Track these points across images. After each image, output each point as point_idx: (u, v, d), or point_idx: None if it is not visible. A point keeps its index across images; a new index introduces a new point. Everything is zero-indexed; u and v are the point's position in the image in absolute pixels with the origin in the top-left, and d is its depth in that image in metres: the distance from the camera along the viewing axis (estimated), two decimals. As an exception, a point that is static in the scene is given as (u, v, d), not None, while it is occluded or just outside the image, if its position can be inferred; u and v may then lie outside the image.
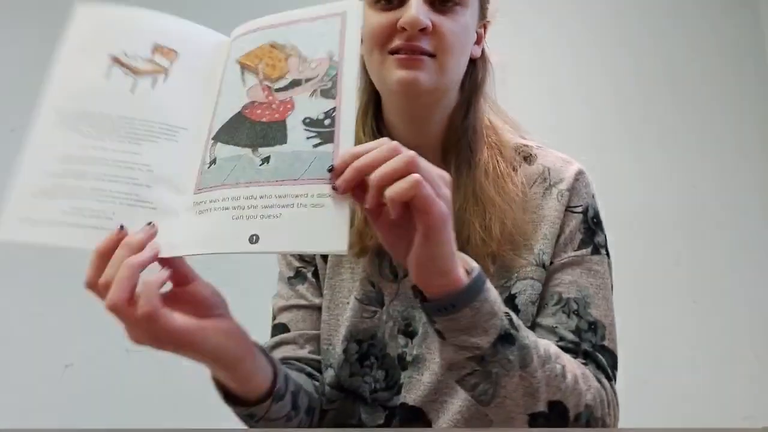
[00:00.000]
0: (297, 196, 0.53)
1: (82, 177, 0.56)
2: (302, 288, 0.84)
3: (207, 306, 0.58)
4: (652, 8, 2.22)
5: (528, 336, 0.61)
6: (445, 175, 0.55)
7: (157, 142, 0.58)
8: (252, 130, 0.57)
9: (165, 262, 0.55)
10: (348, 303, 0.80)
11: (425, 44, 0.71)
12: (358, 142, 0.55)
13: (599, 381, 0.68)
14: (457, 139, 0.78)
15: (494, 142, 0.80)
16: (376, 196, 0.52)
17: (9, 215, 0.55)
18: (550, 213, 0.77)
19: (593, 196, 0.80)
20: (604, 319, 0.74)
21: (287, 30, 0.61)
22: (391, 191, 0.51)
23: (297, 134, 0.55)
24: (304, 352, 0.81)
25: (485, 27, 0.82)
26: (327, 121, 0.55)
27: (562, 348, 0.69)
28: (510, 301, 0.74)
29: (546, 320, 0.73)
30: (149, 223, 0.55)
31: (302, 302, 0.83)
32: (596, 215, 0.79)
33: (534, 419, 0.61)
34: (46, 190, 0.56)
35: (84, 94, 0.59)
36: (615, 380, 0.72)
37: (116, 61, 0.60)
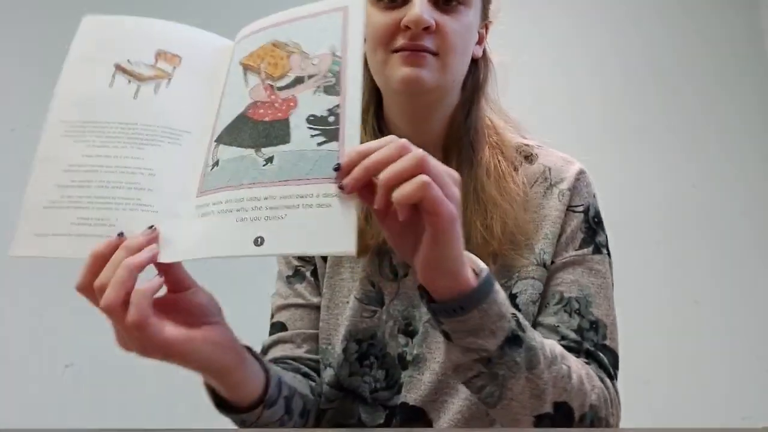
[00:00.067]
0: (302, 197, 0.51)
1: (87, 186, 0.56)
2: (301, 287, 0.84)
3: (201, 314, 0.57)
4: (652, 8, 2.22)
5: (535, 337, 0.60)
6: (455, 174, 0.54)
7: (160, 146, 0.58)
8: (255, 130, 0.56)
9: (162, 268, 0.54)
10: (348, 302, 0.80)
11: (429, 43, 0.71)
12: (359, 141, 0.54)
13: (602, 380, 0.68)
14: (458, 138, 0.78)
15: (495, 142, 0.80)
16: (385, 197, 0.51)
17: (23, 230, 0.56)
18: (551, 212, 0.77)
19: (594, 196, 0.80)
20: (605, 318, 0.74)
21: (289, 27, 0.60)
22: (399, 194, 0.50)
23: (300, 132, 0.54)
24: (301, 351, 0.81)
25: (487, 27, 0.82)
26: (331, 118, 0.54)
27: (564, 347, 0.69)
28: (511, 300, 0.73)
29: (548, 319, 0.73)
30: (150, 227, 0.54)
31: (300, 301, 0.83)
32: (597, 215, 0.79)
33: (539, 420, 0.61)
34: (55, 202, 0.56)
35: (88, 103, 0.60)
36: (616, 379, 0.73)
37: (120, 68, 0.61)
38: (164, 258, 0.54)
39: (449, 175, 0.53)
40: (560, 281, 0.75)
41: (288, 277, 0.85)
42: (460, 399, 0.74)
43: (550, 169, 0.80)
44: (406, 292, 0.78)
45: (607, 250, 0.78)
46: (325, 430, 0.79)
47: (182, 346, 0.53)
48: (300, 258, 0.85)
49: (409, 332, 0.77)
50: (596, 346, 0.72)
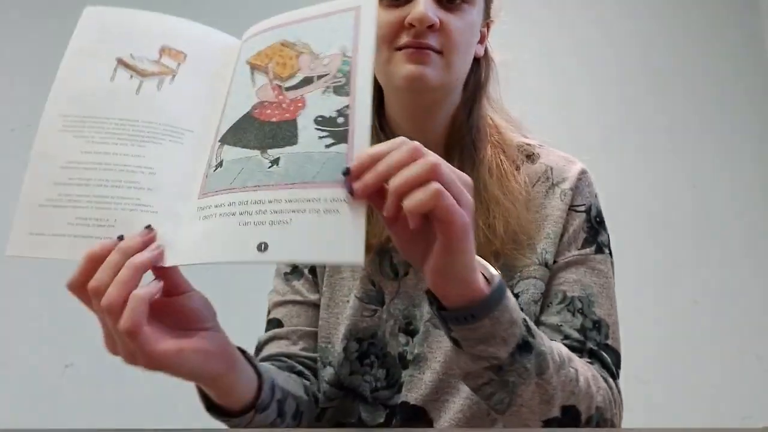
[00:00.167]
0: (309, 201, 0.49)
1: (86, 184, 0.54)
2: (298, 284, 0.84)
3: (194, 319, 0.55)
4: (652, 8, 2.22)
5: (544, 342, 0.60)
6: (468, 179, 0.52)
7: (161, 144, 0.56)
8: (261, 130, 0.54)
9: (159, 271, 0.52)
10: (348, 301, 0.80)
11: (433, 41, 0.71)
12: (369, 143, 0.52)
13: (605, 380, 0.68)
14: (460, 137, 0.78)
15: (497, 141, 0.80)
16: (395, 204, 0.49)
17: (18, 229, 0.53)
18: (553, 212, 0.77)
19: (596, 196, 0.80)
20: (607, 317, 0.74)
21: (299, 27, 0.58)
22: (410, 202, 0.48)
23: (308, 134, 0.52)
24: (296, 349, 0.80)
25: (488, 26, 0.82)
26: (340, 120, 0.52)
27: (567, 346, 0.69)
28: None
29: (551, 318, 0.73)
30: (147, 227, 0.52)
31: (297, 298, 0.83)
32: (599, 214, 0.79)
33: (546, 424, 0.61)
34: (53, 200, 0.54)
35: (88, 97, 0.57)
36: (619, 378, 0.73)
37: (122, 63, 0.59)
38: (162, 261, 0.52)
39: (462, 180, 0.51)
40: (563, 281, 0.75)
41: (286, 273, 0.85)
42: (461, 398, 0.74)
43: (551, 169, 0.80)
44: (406, 291, 0.78)
45: (609, 249, 0.78)
46: (325, 430, 0.79)
47: (170, 359, 0.51)
48: None
49: (410, 331, 0.77)
50: (599, 346, 0.72)
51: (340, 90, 0.53)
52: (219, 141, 0.56)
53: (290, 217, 0.49)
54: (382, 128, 0.80)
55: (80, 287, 0.50)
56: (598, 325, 0.73)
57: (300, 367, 0.79)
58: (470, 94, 0.80)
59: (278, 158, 0.52)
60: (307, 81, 0.55)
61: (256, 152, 0.53)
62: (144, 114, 0.57)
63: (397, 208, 0.49)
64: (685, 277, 2.02)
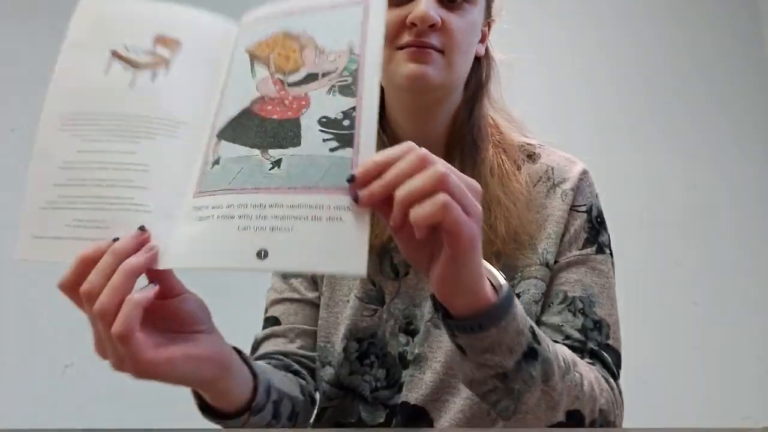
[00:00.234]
0: (312, 207, 0.47)
1: (82, 185, 0.52)
2: (296, 282, 0.84)
3: (188, 322, 0.53)
4: (652, 9, 2.22)
5: (549, 347, 0.59)
6: (477, 186, 0.50)
7: (155, 139, 0.53)
8: (261, 128, 0.51)
9: (153, 274, 0.50)
10: (348, 301, 0.80)
11: (434, 40, 0.71)
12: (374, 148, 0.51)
13: (607, 381, 0.68)
14: (461, 136, 0.78)
15: (498, 141, 0.80)
16: (402, 215, 0.47)
17: (24, 233, 0.52)
18: (554, 212, 0.77)
19: (596, 196, 0.80)
20: (608, 318, 0.74)
21: (303, 18, 0.55)
22: (416, 214, 0.46)
23: (312, 135, 0.50)
24: (293, 347, 0.80)
25: (489, 25, 0.82)
26: (346, 122, 0.50)
27: (569, 346, 0.70)
28: None
29: (552, 318, 0.73)
30: (140, 228, 0.50)
31: (295, 296, 0.83)
32: (600, 215, 0.79)
33: (551, 427, 0.61)
34: (52, 203, 0.52)
35: (83, 93, 0.55)
36: (619, 378, 0.73)
37: (116, 55, 0.56)
38: (157, 264, 0.49)
39: (471, 188, 0.49)
40: (564, 281, 0.75)
41: None
42: (461, 398, 0.74)
43: (553, 169, 0.80)
44: (407, 290, 0.78)
45: (610, 249, 0.79)
46: (325, 430, 0.79)
47: (159, 369, 0.49)
48: None
49: (410, 331, 0.77)
50: (600, 346, 0.72)
51: (347, 90, 0.51)
52: (216, 136, 0.53)
53: (292, 224, 0.47)
54: (383, 127, 0.80)
55: (72, 289, 0.49)
56: (599, 325, 0.73)
57: (296, 366, 0.79)
58: (471, 94, 0.80)
59: (280, 160, 0.50)
60: (311, 78, 0.52)
61: (257, 152, 0.51)
62: (138, 108, 0.54)
63: (403, 218, 0.47)
64: (685, 278, 2.02)
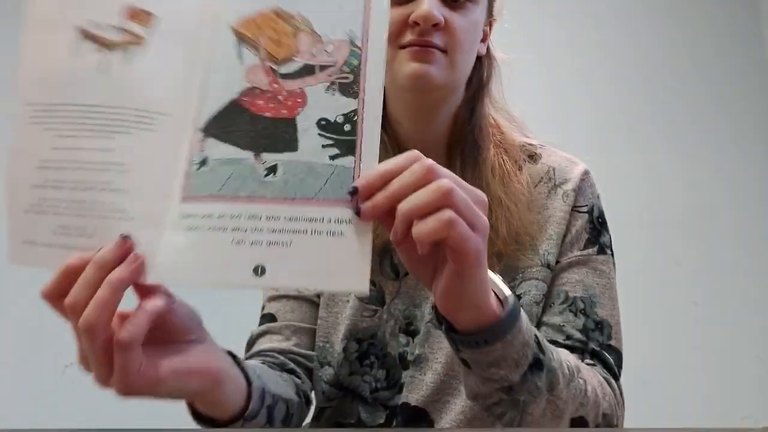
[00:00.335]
0: (311, 220, 0.44)
1: (60, 187, 0.47)
2: None
3: (178, 332, 0.50)
4: (652, 8, 2.22)
5: (553, 356, 0.57)
6: (482, 198, 0.48)
7: (131, 133, 0.47)
8: (252, 126, 0.47)
9: (140, 286, 0.46)
10: (348, 301, 0.79)
11: (437, 40, 0.70)
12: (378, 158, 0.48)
13: (609, 383, 0.68)
14: (463, 136, 0.78)
15: (499, 141, 0.80)
16: (404, 229, 0.45)
17: (13, 238, 0.48)
18: (555, 213, 0.77)
19: (598, 196, 0.80)
20: (610, 318, 0.74)
21: None
22: (419, 231, 0.44)
23: (310, 139, 0.46)
24: (289, 344, 0.79)
25: (491, 24, 0.82)
26: (347, 127, 0.46)
27: (570, 347, 0.69)
28: None
29: (553, 319, 0.73)
30: (123, 236, 0.46)
31: (292, 293, 0.82)
32: (601, 215, 0.79)
33: None
34: (35, 206, 0.48)
35: (50, 80, 0.49)
36: (620, 378, 0.73)
37: (83, 33, 0.49)
38: (145, 278, 0.45)
39: (478, 201, 0.47)
40: (565, 281, 0.75)
41: None
42: (462, 399, 0.74)
43: (554, 170, 0.80)
44: (407, 291, 0.78)
45: (611, 250, 0.78)
46: (325, 430, 0.79)
47: (145, 390, 0.46)
48: None
49: (411, 332, 0.77)
50: (601, 346, 0.72)
51: (348, 90, 0.47)
52: (201, 130, 0.48)
53: (290, 238, 0.44)
54: (383, 127, 0.79)
55: (55, 299, 0.46)
56: (600, 325, 0.73)
57: (292, 365, 0.78)
58: (472, 93, 0.80)
59: (275, 165, 0.46)
60: (307, 70, 0.48)
61: (249, 154, 0.46)
62: (111, 98, 0.48)
63: (405, 232, 0.46)
64: (685, 278, 2.02)
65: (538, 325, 0.73)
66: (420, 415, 0.75)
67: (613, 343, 0.73)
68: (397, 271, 0.79)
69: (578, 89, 2.14)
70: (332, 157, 0.46)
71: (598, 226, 0.78)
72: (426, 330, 0.76)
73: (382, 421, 0.76)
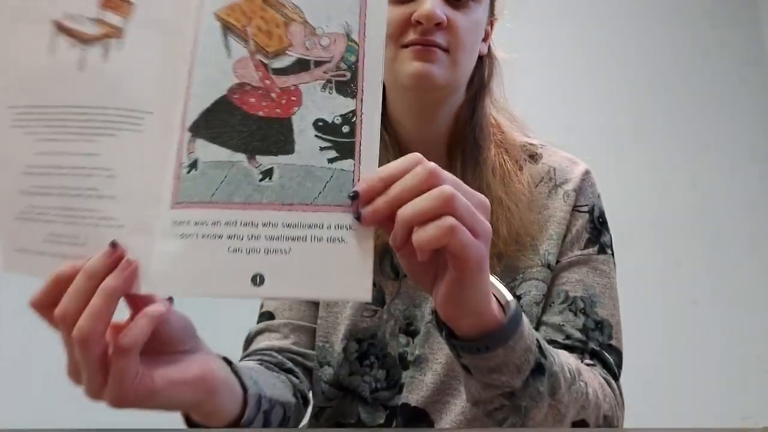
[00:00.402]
0: (310, 227, 0.43)
1: (47, 194, 0.46)
2: None
3: (173, 342, 0.49)
4: (654, 9, 2.22)
5: (554, 360, 0.57)
6: (485, 202, 0.47)
7: (116, 135, 0.45)
8: (245, 126, 0.44)
9: (132, 297, 0.45)
10: (348, 301, 0.79)
11: (440, 39, 0.70)
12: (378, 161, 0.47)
13: (609, 384, 0.68)
14: (463, 136, 0.78)
15: (500, 140, 0.80)
16: (404, 235, 0.44)
17: (7, 244, 0.47)
18: (555, 213, 0.77)
19: (598, 196, 0.80)
20: (610, 318, 0.74)
21: None
22: (420, 238, 0.43)
23: (306, 141, 0.44)
24: (287, 343, 0.79)
25: (492, 23, 0.82)
26: (345, 128, 0.44)
27: (569, 346, 0.69)
28: None
29: (553, 318, 0.73)
30: (112, 244, 0.44)
31: None
32: (602, 215, 0.79)
33: None
34: (24, 213, 0.46)
35: (28, 79, 0.46)
36: (620, 378, 0.73)
37: (59, 27, 0.46)
38: (138, 288, 0.43)
39: (480, 206, 0.46)
40: (565, 280, 0.75)
41: None
42: (462, 400, 0.73)
43: (554, 170, 0.80)
44: (407, 291, 0.78)
45: (612, 250, 0.78)
46: (325, 430, 0.79)
47: (137, 403, 0.46)
48: None
49: (411, 332, 0.77)
50: (601, 346, 0.72)
51: (345, 89, 0.45)
52: (189, 131, 0.45)
53: (289, 246, 0.43)
54: (384, 126, 0.79)
55: (44, 309, 0.45)
56: (600, 325, 0.73)
57: (290, 364, 0.77)
58: (474, 93, 0.80)
59: (271, 169, 0.44)
60: (301, 65, 0.45)
61: (242, 156, 0.44)
62: (92, 97, 0.45)
63: (405, 238, 0.45)
64: (685, 278, 2.02)
65: (538, 324, 0.73)
66: (420, 416, 0.75)
67: (613, 342, 0.73)
68: (397, 271, 0.79)
69: (579, 89, 2.14)
70: (331, 160, 0.44)
71: (598, 226, 0.78)
72: (426, 330, 0.76)
73: (382, 421, 0.76)
